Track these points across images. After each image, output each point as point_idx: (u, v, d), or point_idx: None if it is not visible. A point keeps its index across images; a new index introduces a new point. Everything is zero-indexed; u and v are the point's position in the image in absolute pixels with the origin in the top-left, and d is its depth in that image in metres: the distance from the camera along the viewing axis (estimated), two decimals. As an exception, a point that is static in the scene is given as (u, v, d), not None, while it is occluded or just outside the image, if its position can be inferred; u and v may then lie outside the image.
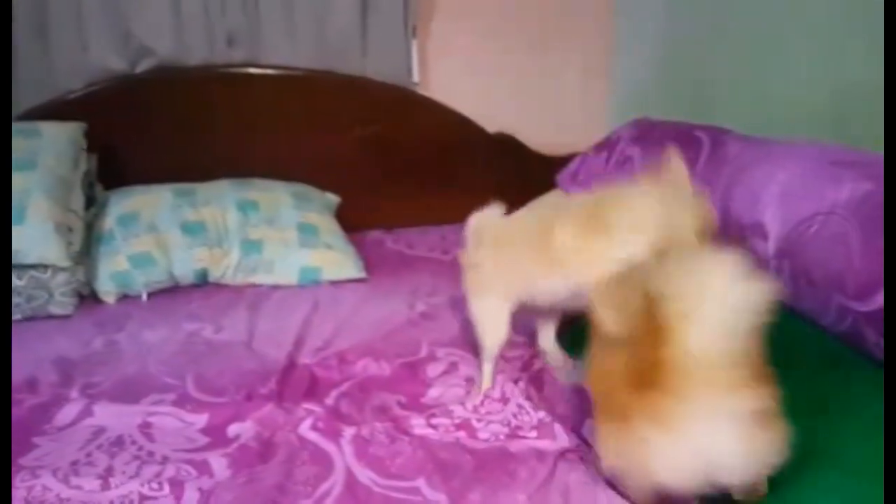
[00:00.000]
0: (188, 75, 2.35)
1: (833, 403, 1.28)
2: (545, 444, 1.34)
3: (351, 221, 2.38)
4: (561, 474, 1.25)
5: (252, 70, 2.41)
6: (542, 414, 1.43)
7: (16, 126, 1.94)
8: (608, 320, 1.05)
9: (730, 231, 1.66)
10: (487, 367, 1.53)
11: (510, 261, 1.50)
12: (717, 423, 0.97)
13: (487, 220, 1.59)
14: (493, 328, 1.52)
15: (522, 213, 1.64)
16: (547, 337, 1.65)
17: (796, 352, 1.43)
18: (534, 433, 1.39)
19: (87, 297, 1.95)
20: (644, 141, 2.09)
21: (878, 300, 1.30)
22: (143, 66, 2.31)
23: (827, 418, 1.24)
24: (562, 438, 1.35)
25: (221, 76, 2.37)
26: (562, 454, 1.30)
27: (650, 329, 0.97)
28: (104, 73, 2.27)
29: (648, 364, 0.97)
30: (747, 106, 2.13)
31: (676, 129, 2.02)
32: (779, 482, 1.17)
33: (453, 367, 1.66)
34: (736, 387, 0.97)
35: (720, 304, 0.96)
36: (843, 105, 1.82)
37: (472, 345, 1.64)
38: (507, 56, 2.70)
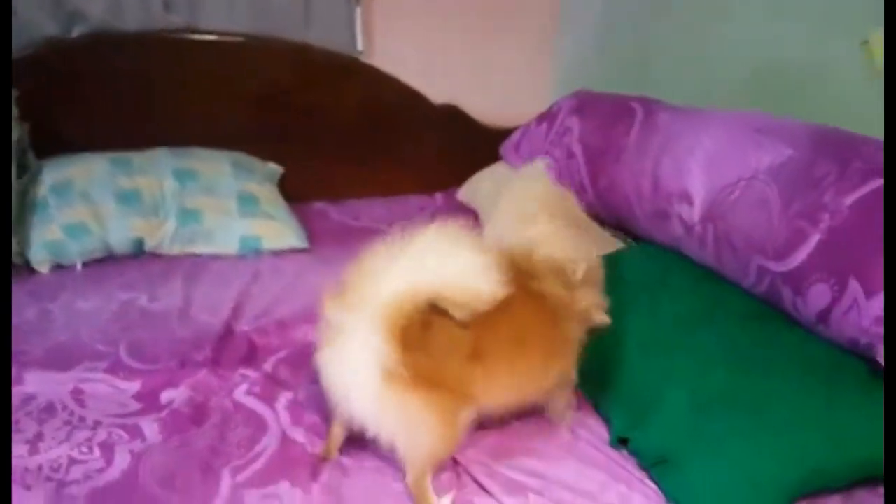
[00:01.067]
0: (124, 41, 2.28)
1: (753, 357, 1.34)
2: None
3: (294, 192, 2.36)
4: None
5: (190, 36, 2.35)
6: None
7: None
8: None
9: (659, 198, 1.71)
10: None
11: None
12: None
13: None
14: None
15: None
16: None
17: (719, 310, 1.49)
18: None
19: (20, 267, 1.91)
20: (582, 112, 2.12)
21: (794, 261, 1.35)
22: (76, 31, 2.23)
23: (748, 370, 1.30)
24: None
25: (159, 42, 2.31)
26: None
27: None
28: (35, 38, 2.19)
29: None
30: (683, 80, 2.18)
31: (613, 101, 2.06)
32: (702, 428, 1.23)
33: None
34: None
35: None
36: (773, 80, 1.88)
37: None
38: (453, 27, 2.69)
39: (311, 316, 1.70)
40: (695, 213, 1.60)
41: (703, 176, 1.59)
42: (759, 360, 1.33)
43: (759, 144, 1.52)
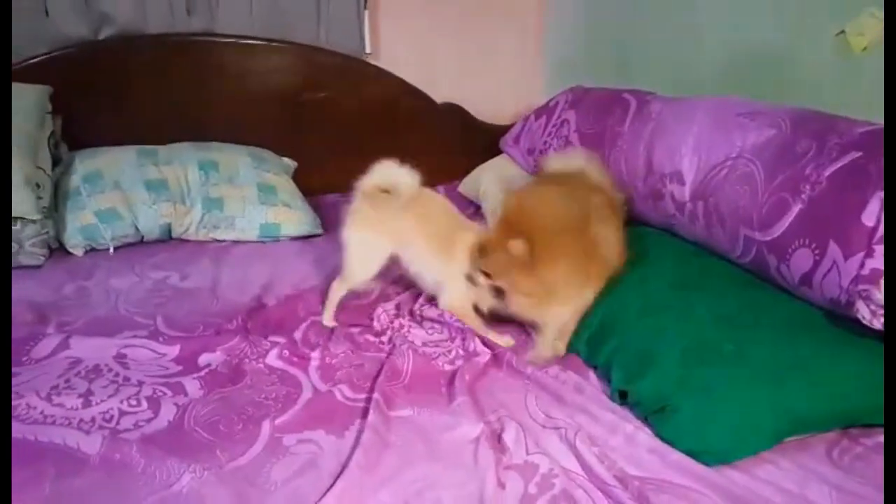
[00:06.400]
0: (148, 42, 2.41)
1: (740, 316, 1.45)
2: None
3: (307, 186, 2.48)
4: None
5: (210, 38, 2.48)
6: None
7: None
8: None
9: (652, 179, 1.84)
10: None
11: None
12: None
13: None
14: None
15: None
16: None
17: (709, 277, 1.61)
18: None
19: (57, 250, 2.03)
20: (578, 105, 2.25)
21: (778, 229, 1.47)
22: (104, 33, 2.36)
23: (736, 328, 1.42)
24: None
25: (180, 44, 2.44)
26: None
27: None
28: (66, 39, 2.31)
29: None
30: (664, 72, 2.33)
31: (607, 94, 2.20)
32: (693, 378, 1.34)
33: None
34: None
35: None
36: (748, 65, 2.02)
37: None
38: (451, 30, 2.87)
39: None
40: (686, 192, 1.72)
41: (692, 158, 1.72)
42: (747, 319, 1.44)
43: (744, 126, 1.65)
